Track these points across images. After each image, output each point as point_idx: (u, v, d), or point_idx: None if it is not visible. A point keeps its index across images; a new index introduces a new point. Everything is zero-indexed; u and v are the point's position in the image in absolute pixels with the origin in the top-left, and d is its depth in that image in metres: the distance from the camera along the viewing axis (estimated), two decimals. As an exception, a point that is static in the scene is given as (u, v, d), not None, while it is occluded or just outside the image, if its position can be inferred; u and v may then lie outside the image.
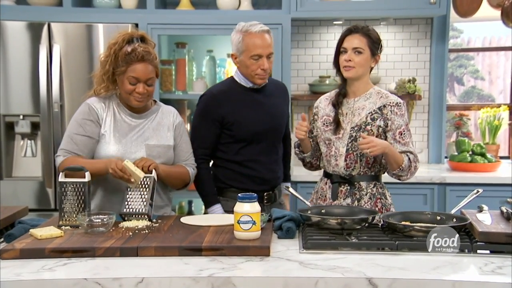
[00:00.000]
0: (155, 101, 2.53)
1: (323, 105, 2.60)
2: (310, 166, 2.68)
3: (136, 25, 3.54)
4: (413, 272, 1.70)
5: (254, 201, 1.95)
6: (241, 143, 2.65)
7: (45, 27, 3.43)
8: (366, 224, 2.08)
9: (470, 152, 3.84)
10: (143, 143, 2.39)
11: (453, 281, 1.64)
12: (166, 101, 3.71)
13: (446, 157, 4.12)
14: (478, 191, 2.24)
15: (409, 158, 2.44)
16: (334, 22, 3.97)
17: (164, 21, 3.60)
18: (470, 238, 1.97)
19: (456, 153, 3.88)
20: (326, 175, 2.60)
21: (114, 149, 2.35)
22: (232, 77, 2.72)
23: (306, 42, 4.13)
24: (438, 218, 2.13)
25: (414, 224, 2.03)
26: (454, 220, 2.07)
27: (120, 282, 1.65)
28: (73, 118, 2.41)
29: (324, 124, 2.55)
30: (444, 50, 4.05)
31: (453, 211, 2.18)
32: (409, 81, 3.99)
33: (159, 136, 2.43)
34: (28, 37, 3.44)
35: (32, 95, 3.45)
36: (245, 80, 2.65)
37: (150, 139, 2.41)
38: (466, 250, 1.88)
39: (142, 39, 2.37)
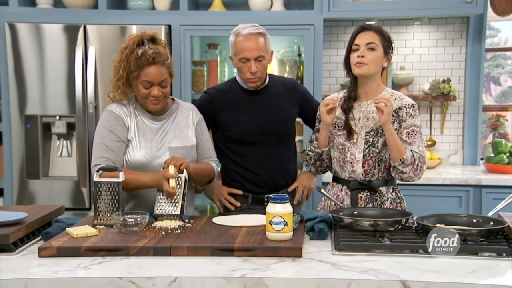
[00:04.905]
0: (173, 99, 2.52)
1: None
2: (320, 165, 2.54)
3: (169, 26, 3.58)
4: (448, 276, 1.67)
5: (286, 202, 1.95)
6: (237, 143, 2.67)
7: (81, 29, 3.49)
8: (400, 226, 2.05)
9: (508, 154, 3.75)
10: (166, 146, 2.40)
11: (491, 286, 1.61)
12: (199, 102, 3.74)
13: (481, 159, 4.04)
14: (516, 194, 2.19)
15: (413, 155, 2.33)
16: (367, 22, 3.91)
17: (197, 22, 3.63)
18: (508, 242, 1.92)
19: (492, 155, 3.80)
20: (337, 180, 2.50)
21: (141, 155, 2.35)
22: (235, 77, 2.75)
23: (338, 43, 4.10)
24: (474, 220, 2.08)
25: (449, 226, 1.99)
26: (491, 223, 2.03)
27: (153, 281, 1.67)
28: (99, 126, 2.38)
29: (336, 127, 2.46)
30: (480, 49, 3.97)
31: (490, 214, 2.13)
32: (443, 81, 3.93)
33: (181, 137, 2.44)
34: (65, 39, 3.50)
35: (68, 96, 3.52)
36: (242, 81, 2.68)
37: (173, 141, 2.41)
38: (504, 254, 1.84)
39: (153, 40, 2.34)
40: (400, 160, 2.32)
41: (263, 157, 2.67)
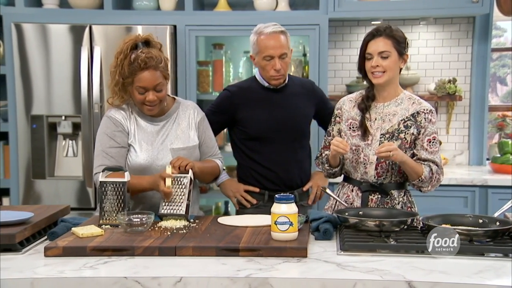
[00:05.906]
0: (174, 99, 2.51)
1: (348, 107, 2.47)
2: (334, 176, 2.56)
3: (174, 26, 3.58)
4: (454, 276, 1.66)
5: (291, 202, 1.95)
6: (255, 141, 2.70)
7: (87, 30, 3.50)
8: (405, 226, 2.05)
9: (514, 154, 3.74)
10: (168, 148, 2.39)
11: (496, 286, 1.60)
12: (203, 102, 3.75)
13: (487, 159, 4.03)
14: (522, 194, 2.18)
15: (430, 169, 2.34)
16: (372, 22, 3.92)
17: (202, 23, 3.63)
18: (514, 243, 1.92)
19: (498, 155, 3.78)
20: (349, 180, 2.49)
21: (142, 158, 2.35)
22: (255, 76, 2.78)
23: (343, 43, 4.09)
24: (480, 221, 2.08)
25: (455, 227, 1.98)
26: (497, 223, 2.02)
27: (159, 281, 1.67)
28: (99, 133, 2.39)
29: (350, 128, 2.44)
30: (486, 49, 3.96)
31: (496, 214, 2.12)
32: (449, 81, 3.91)
33: (183, 138, 2.43)
34: (70, 39, 3.51)
35: (74, 96, 3.53)
36: (263, 80, 2.71)
37: (175, 142, 2.41)
38: (510, 255, 1.83)
39: (147, 43, 2.32)
40: (419, 179, 2.34)
41: (280, 155, 2.69)
